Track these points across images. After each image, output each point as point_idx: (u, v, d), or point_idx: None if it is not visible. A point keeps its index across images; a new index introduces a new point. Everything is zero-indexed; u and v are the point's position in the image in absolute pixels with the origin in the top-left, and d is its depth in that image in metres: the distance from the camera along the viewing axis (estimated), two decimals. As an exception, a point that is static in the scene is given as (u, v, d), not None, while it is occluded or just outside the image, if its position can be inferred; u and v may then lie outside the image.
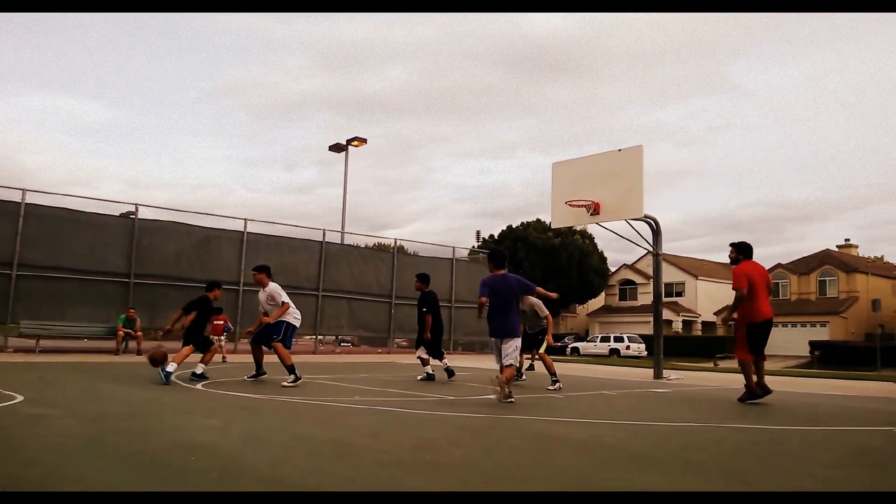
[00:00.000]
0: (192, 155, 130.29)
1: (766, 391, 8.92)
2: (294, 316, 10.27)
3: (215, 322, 16.36)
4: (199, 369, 10.24)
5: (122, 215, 19.46)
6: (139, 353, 17.12)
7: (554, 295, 9.71)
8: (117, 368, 12.59)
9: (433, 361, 11.88)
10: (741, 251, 9.19)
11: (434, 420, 6.58)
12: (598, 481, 3.89)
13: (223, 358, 15.92)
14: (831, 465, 4.60)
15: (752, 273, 8.91)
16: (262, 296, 10.41)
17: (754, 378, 8.92)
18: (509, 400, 7.89)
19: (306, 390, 9.01)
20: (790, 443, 5.72)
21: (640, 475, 4.06)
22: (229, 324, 16.97)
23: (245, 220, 21.30)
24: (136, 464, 4.00)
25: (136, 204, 19.26)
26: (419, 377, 11.72)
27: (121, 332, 17.46)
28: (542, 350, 11.07)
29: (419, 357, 11.89)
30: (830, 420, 7.59)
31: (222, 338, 16.36)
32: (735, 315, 9.06)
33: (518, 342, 8.22)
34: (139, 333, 17.66)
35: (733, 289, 8.92)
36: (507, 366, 8.06)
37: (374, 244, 37.47)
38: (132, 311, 17.79)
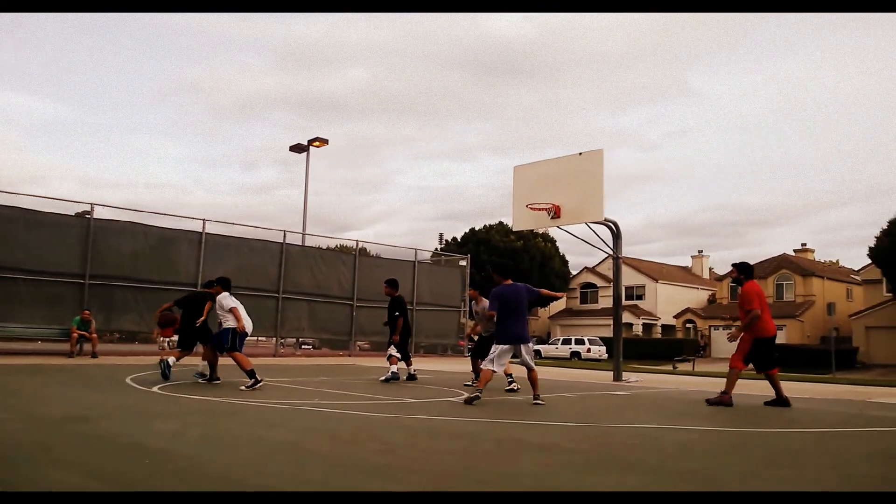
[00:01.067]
0: (147, 154, 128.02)
1: (787, 403, 9.15)
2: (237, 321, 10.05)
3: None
4: (172, 361, 10.31)
5: (77, 215, 19.05)
6: (94, 355, 16.78)
7: (560, 294, 10.04)
8: (72, 371, 12.35)
9: (399, 365, 11.94)
10: (743, 271, 9.43)
11: (393, 423, 6.57)
12: (554, 482, 3.92)
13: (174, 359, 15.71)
14: (784, 466, 4.69)
15: (759, 292, 9.21)
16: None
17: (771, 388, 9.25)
18: (538, 401, 8.38)
19: (265, 393, 8.93)
20: (745, 445, 5.82)
21: (596, 476, 4.10)
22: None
23: (204, 220, 20.96)
24: (90, 467, 3.93)
25: (91, 203, 18.85)
26: (382, 378, 11.73)
27: (75, 335, 17.08)
28: None
29: (390, 354, 11.99)
30: (784, 422, 7.74)
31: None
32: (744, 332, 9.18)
33: (531, 346, 8.71)
34: (94, 335, 17.30)
35: (746, 309, 9.02)
36: (533, 368, 8.58)
37: (336, 246, 37.29)
38: (87, 312, 17.43)
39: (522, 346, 8.51)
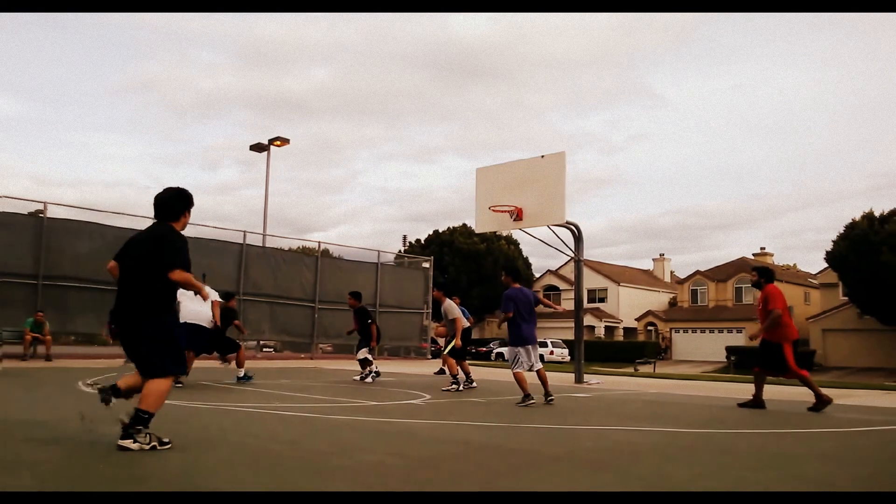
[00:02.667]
0: (104, 152, 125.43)
1: (762, 405, 9.10)
2: (184, 311, 10.08)
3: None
4: (241, 372, 11.05)
5: (30, 214, 18.57)
6: (48, 358, 16.38)
7: (558, 307, 10.39)
8: (25, 374, 12.04)
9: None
10: (763, 274, 9.44)
11: (351, 425, 6.50)
12: (509, 483, 3.88)
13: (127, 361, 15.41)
14: (734, 467, 4.71)
15: (783, 295, 9.22)
16: None
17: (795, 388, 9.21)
18: (550, 398, 8.93)
19: (224, 396, 8.80)
20: (698, 445, 5.86)
21: (552, 477, 4.08)
22: None
23: (161, 220, 20.51)
24: (39, 472, 3.82)
25: (45, 202, 18.36)
26: (368, 379, 12.00)
27: (28, 337, 16.66)
28: (446, 351, 11.39)
29: (364, 358, 12.27)
30: (737, 423, 7.83)
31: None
32: (763, 332, 9.11)
33: (537, 346, 9.15)
34: (48, 338, 16.88)
35: (769, 309, 8.99)
36: (539, 368, 8.99)
37: (298, 247, 36.96)
38: (40, 314, 17.00)
39: (535, 346, 8.94)
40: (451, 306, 11.42)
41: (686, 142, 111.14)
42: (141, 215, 19.77)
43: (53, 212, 18.49)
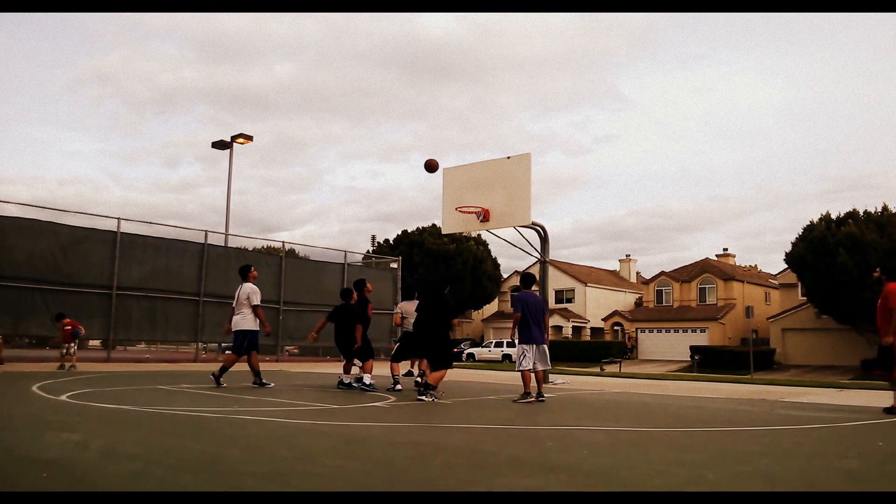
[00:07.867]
0: (57, 148, 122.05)
1: None
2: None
3: (64, 328, 15.39)
4: (367, 379, 10.84)
5: None
6: (0, 361, 15.93)
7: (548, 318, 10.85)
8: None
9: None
10: (886, 272, 9.28)
11: (313, 429, 6.39)
12: (469, 484, 3.83)
13: (71, 366, 15.04)
14: (688, 465, 4.72)
15: None
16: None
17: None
18: (541, 398, 9.50)
19: (182, 401, 8.64)
20: (657, 444, 5.86)
21: (507, 477, 4.03)
22: (79, 328, 15.91)
23: (118, 219, 19.91)
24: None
25: (-7, 200, 17.86)
26: (350, 386, 11.33)
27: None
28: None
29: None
30: (697, 421, 7.88)
31: (72, 345, 15.33)
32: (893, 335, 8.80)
33: (546, 348, 9.72)
34: (-1, 340, 16.41)
35: (890, 307, 8.76)
36: (544, 369, 9.86)
37: (262, 247, 36.54)
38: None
39: (540, 346, 9.51)
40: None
41: (651, 144, 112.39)
42: (96, 214, 19.37)
43: (5, 209, 18.02)
